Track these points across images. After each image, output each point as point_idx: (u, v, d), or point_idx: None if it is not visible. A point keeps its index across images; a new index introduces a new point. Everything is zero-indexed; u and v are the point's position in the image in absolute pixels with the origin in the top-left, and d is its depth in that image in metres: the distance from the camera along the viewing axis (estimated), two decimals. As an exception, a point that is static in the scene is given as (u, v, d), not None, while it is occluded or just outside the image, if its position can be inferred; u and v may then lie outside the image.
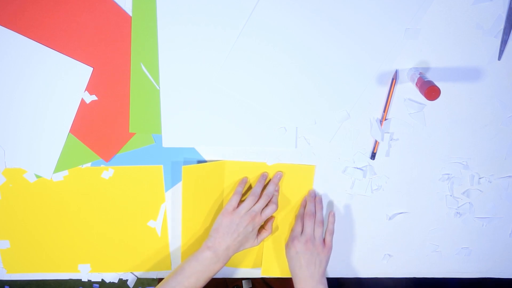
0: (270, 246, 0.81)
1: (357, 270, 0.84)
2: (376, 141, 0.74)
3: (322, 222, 0.76)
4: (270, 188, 0.75)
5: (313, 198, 0.78)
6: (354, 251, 0.83)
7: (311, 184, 0.78)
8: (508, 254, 0.82)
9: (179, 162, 0.77)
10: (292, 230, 0.77)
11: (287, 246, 0.76)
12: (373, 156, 0.75)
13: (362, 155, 0.76)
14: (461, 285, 1.04)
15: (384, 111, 0.72)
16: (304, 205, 0.78)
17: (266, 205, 0.74)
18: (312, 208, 0.76)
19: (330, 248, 0.75)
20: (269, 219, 0.78)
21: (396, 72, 0.70)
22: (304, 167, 0.76)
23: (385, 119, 0.72)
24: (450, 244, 0.82)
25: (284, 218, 0.80)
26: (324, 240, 0.75)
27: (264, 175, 0.76)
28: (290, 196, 0.78)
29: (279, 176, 0.76)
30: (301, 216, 0.77)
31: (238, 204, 0.74)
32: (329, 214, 0.78)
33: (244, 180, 0.76)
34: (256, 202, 0.73)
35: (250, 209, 0.73)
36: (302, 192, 0.78)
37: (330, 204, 0.79)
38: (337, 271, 0.84)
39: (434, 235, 0.81)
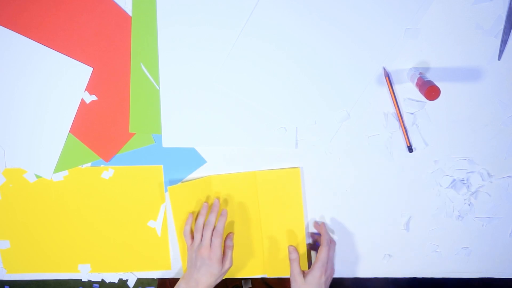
0: (269, 249, 0.81)
1: (357, 270, 0.84)
2: (405, 134, 0.73)
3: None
4: (211, 219, 0.75)
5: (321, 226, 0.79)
6: (354, 251, 0.83)
7: (299, 187, 0.78)
8: (508, 254, 0.82)
9: (180, 162, 0.77)
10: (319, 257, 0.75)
11: (309, 271, 0.75)
12: (410, 149, 0.74)
13: (362, 155, 0.76)
14: (461, 285, 1.04)
15: (395, 106, 0.72)
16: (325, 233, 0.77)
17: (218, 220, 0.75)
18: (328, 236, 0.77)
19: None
20: (228, 235, 0.79)
21: (384, 69, 0.70)
22: (290, 171, 0.76)
23: (399, 112, 0.72)
24: (450, 244, 0.81)
25: (278, 221, 0.79)
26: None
27: (205, 206, 0.76)
28: (281, 201, 0.78)
29: (217, 204, 0.76)
30: (324, 244, 0.76)
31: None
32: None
33: (188, 221, 0.76)
34: (202, 236, 0.74)
35: (199, 243, 0.74)
36: (292, 195, 0.78)
37: (330, 204, 0.79)
38: (337, 271, 0.84)
39: (434, 235, 0.81)
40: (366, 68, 0.71)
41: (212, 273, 0.73)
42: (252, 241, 0.81)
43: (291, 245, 0.79)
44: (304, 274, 0.75)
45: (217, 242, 0.73)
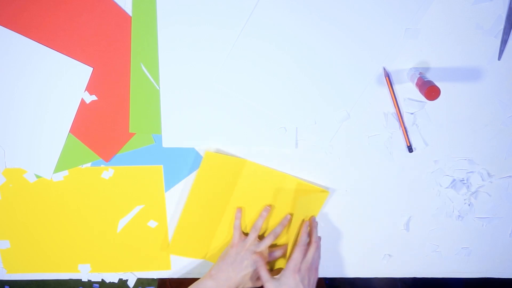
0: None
1: (357, 270, 0.84)
2: (405, 134, 0.73)
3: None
4: (278, 230, 0.76)
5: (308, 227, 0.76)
6: (354, 251, 0.83)
7: (318, 209, 0.78)
8: (508, 254, 0.82)
9: (180, 162, 0.77)
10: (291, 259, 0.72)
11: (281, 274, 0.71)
12: (410, 149, 0.74)
13: (362, 155, 0.76)
14: (461, 285, 1.04)
15: (395, 106, 0.72)
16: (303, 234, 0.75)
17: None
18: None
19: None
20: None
21: (384, 69, 0.70)
22: (318, 191, 0.76)
23: (399, 112, 0.72)
24: (450, 244, 0.81)
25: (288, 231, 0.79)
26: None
27: (266, 209, 0.77)
28: (299, 212, 0.77)
29: (287, 218, 0.77)
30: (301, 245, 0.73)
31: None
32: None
33: (238, 215, 0.77)
34: (262, 239, 0.75)
35: (253, 242, 0.74)
36: (308, 212, 0.78)
37: (330, 204, 0.79)
38: (336, 271, 0.84)
39: (434, 235, 0.81)
40: (366, 68, 0.71)
41: (248, 278, 0.73)
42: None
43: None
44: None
45: (272, 253, 0.75)
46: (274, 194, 0.77)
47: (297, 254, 0.71)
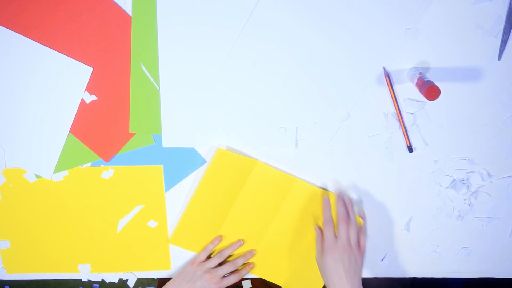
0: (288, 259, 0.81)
1: (357, 270, 0.84)
2: (405, 134, 0.73)
3: (356, 224, 0.71)
4: (239, 261, 0.78)
5: (343, 200, 0.74)
6: (354, 251, 0.83)
7: (330, 209, 0.77)
8: (508, 254, 0.82)
9: (180, 162, 0.77)
10: (324, 239, 0.70)
11: (321, 257, 0.70)
12: (410, 149, 0.74)
13: (362, 155, 0.76)
14: (461, 285, 1.04)
15: (395, 106, 0.72)
16: (326, 210, 0.74)
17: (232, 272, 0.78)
18: (344, 211, 0.71)
19: (365, 251, 0.71)
20: (240, 272, 0.79)
21: (384, 69, 0.70)
22: (327, 194, 0.76)
23: (399, 112, 0.72)
24: (450, 244, 0.81)
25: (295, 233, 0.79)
26: (359, 243, 0.71)
27: (239, 243, 0.78)
28: (304, 216, 0.77)
29: (252, 253, 0.79)
30: (328, 222, 0.72)
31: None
32: (361, 214, 0.76)
33: (216, 241, 0.79)
34: (222, 265, 0.77)
35: (213, 268, 0.77)
36: (316, 213, 0.77)
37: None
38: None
39: (434, 235, 0.81)
40: (366, 68, 0.71)
41: None
42: (260, 242, 0.80)
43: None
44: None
45: (226, 281, 0.76)
46: (282, 197, 0.77)
47: (327, 232, 0.70)
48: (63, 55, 0.71)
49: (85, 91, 0.73)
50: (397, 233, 0.81)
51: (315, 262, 0.74)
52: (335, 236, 0.70)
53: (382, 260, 0.83)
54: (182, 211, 0.80)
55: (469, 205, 0.79)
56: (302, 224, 0.78)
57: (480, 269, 0.84)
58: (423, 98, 0.71)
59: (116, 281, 0.85)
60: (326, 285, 0.70)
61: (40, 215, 0.80)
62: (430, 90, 0.61)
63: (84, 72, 0.72)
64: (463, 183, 0.77)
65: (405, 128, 0.73)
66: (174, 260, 0.83)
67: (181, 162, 0.77)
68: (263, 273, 0.82)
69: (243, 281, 0.92)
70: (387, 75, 0.70)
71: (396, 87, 0.72)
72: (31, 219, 0.81)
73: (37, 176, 0.78)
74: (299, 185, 0.76)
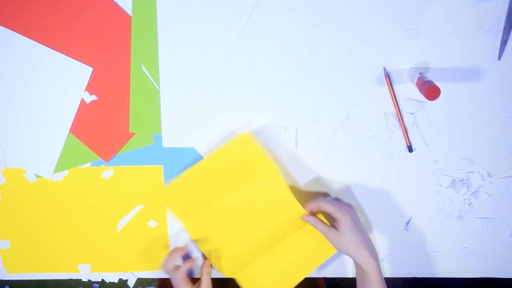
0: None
1: (357, 270, 0.84)
2: (405, 134, 0.73)
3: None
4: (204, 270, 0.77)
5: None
6: (354, 251, 0.82)
7: (315, 264, 0.78)
8: (508, 254, 0.82)
9: (180, 162, 0.77)
10: (328, 210, 0.70)
11: (334, 231, 0.69)
12: (410, 149, 0.74)
13: (362, 155, 0.76)
14: (461, 285, 1.04)
15: (395, 106, 0.72)
16: (311, 203, 0.73)
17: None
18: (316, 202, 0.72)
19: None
20: (204, 262, 0.78)
21: (384, 69, 0.70)
22: (325, 244, 0.74)
23: (399, 112, 0.72)
24: (450, 244, 0.81)
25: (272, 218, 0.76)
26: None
27: (206, 267, 0.78)
28: (285, 235, 0.76)
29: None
30: (320, 200, 0.71)
31: None
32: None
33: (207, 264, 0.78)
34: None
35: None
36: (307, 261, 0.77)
37: (330, 204, 0.79)
38: (337, 272, 0.84)
39: (434, 235, 0.81)
40: (366, 68, 0.71)
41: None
42: (235, 241, 0.77)
43: (305, 215, 0.73)
44: (334, 227, 0.70)
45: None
46: (276, 213, 0.74)
47: (326, 206, 0.70)
48: (63, 55, 0.71)
49: (85, 91, 0.73)
50: (397, 233, 0.81)
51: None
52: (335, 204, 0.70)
53: (382, 260, 0.83)
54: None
55: (469, 205, 0.79)
56: (281, 239, 0.76)
57: (480, 269, 0.84)
58: (423, 98, 0.71)
59: (116, 281, 0.85)
60: (353, 252, 0.69)
61: (40, 215, 0.80)
62: (430, 90, 0.62)
63: (84, 72, 0.72)
64: (463, 183, 0.77)
65: (405, 128, 0.73)
66: (174, 260, 0.83)
67: (181, 162, 0.77)
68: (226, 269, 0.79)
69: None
70: (387, 75, 0.70)
71: (396, 87, 0.72)
72: (31, 219, 0.81)
73: (37, 176, 0.78)
74: (298, 210, 0.74)
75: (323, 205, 0.70)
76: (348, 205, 0.72)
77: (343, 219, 0.68)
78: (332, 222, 0.72)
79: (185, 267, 0.76)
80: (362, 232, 0.70)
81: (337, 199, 0.74)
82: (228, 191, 0.75)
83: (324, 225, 0.71)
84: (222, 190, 0.75)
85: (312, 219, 0.72)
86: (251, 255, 0.78)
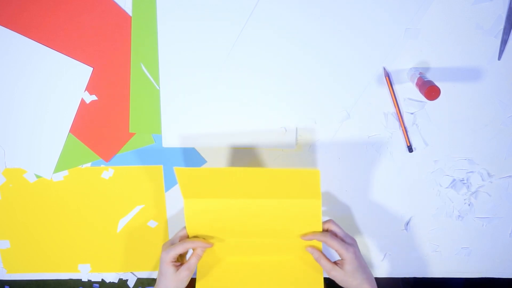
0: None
1: (357, 270, 0.84)
2: (405, 134, 0.73)
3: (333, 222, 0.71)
4: (192, 261, 0.70)
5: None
6: (354, 251, 0.83)
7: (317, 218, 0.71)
8: (508, 254, 0.82)
9: (180, 162, 0.77)
10: (332, 246, 0.68)
11: (337, 267, 0.68)
12: (410, 149, 0.74)
13: (362, 155, 0.76)
14: (461, 285, 1.04)
15: (395, 106, 0.72)
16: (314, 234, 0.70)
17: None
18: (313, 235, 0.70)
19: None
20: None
21: (384, 69, 0.70)
22: (309, 172, 0.68)
23: (399, 112, 0.72)
24: (450, 244, 0.81)
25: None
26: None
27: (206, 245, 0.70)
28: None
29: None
30: (324, 234, 0.69)
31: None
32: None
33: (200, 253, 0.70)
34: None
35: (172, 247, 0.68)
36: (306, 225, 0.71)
37: (330, 204, 0.79)
38: (337, 271, 0.84)
39: (434, 235, 0.81)
40: (366, 68, 0.71)
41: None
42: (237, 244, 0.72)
43: (309, 246, 0.71)
44: (337, 265, 0.68)
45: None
46: (286, 235, 0.70)
47: (331, 242, 0.67)
48: (63, 55, 0.71)
49: (85, 91, 0.73)
50: (397, 233, 0.81)
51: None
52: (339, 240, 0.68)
53: (382, 260, 0.83)
54: (177, 217, 0.79)
55: (469, 205, 0.79)
56: (275, 256, 0.73)
57: (480, 269, 0.84)
58: (423, 98, 0.71)
59: (116, 281, 0.85)
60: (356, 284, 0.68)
61: (40, 215, 0.80)
62: (430, 90, 0.62)
63: (84, 72, 0.72)
64: (463, 183, 0.77)
65: (405, 128, 0.73)
66: (174, 260, 0.83)
67: (181, 162, 0.77)
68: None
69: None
70: (387, 75, 0.70)
71: (396, 87, 0.72)
72: (31, 219, 0.81)
73: (37, 176, 0.78)
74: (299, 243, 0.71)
75: (330, 242, 0.68)
76: (352, 240, 0.70)
77: (348, 257, 0.67)
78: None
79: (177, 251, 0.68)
80: (365, 268, 0.69)
81: (341, 231, 0.70)
82: (254, 195, 0.68)
83: (328, 262, 0.69)
84: (247, 192, 0.67)
85: (316, 253, 0.70)
86: (238, 264, 0.73)
